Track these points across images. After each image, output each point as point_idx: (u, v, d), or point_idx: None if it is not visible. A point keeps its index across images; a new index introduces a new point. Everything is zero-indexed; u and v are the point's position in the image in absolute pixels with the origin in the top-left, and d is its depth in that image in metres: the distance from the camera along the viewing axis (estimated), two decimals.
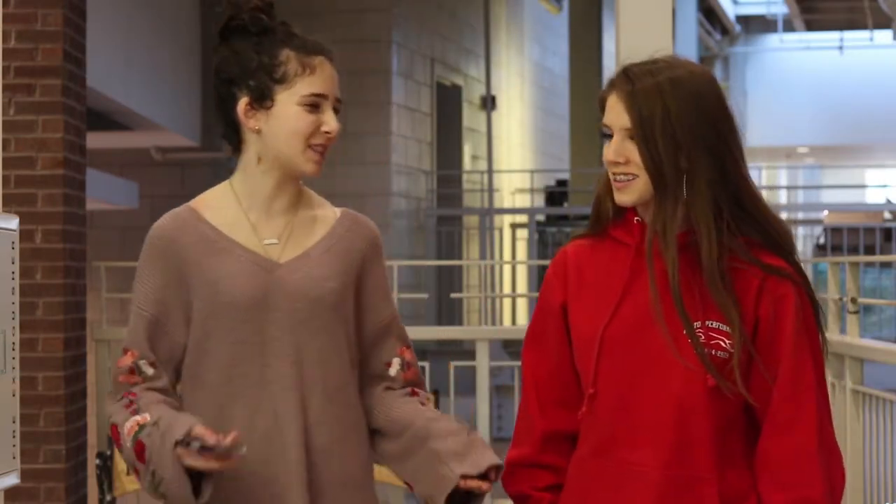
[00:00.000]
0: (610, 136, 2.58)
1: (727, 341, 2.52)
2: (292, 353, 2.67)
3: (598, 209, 2.64)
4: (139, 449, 2.60)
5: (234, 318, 2.65)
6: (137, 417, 2.63)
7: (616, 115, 2.55)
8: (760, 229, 2.57)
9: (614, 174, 2.57)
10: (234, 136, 2.73)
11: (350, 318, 2.74)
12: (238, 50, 2.70)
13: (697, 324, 2.52)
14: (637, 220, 2.60)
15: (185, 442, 2.53)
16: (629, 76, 2.55)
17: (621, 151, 2.55)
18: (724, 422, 2.54)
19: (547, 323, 2.66)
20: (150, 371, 2.68)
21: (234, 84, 2.69)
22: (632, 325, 2.55)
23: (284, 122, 2.67)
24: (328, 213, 2.80)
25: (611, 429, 2.57)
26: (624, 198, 2.56)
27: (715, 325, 2.53)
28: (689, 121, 2.52)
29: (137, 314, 2.69)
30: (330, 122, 2.70)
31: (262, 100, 2.68)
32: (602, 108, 2.60)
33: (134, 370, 2.67)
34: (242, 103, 2.68)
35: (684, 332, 2.52)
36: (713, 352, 2.51)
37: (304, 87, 2.68)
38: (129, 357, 2.68)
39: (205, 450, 2.52)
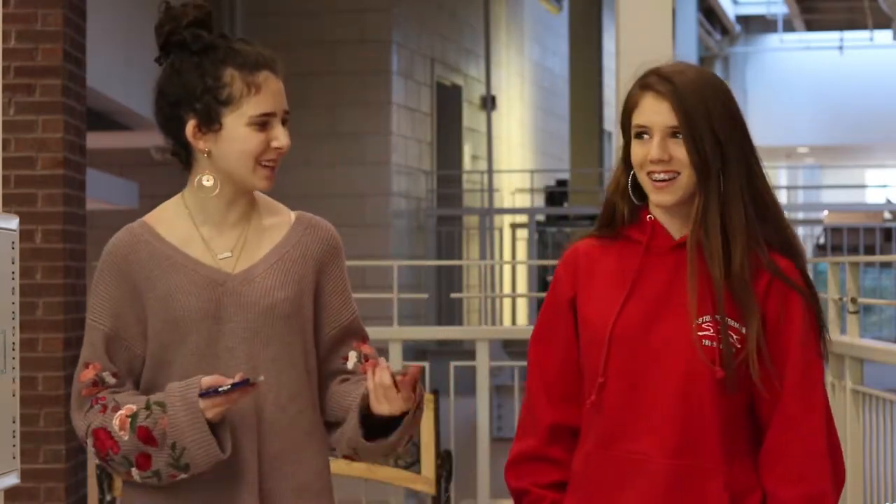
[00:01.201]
0: (641, 137, 2.59)
1: (735, 336, 2.55)
2: (246, 362, 2.67)
3: (611, 212, 2.67)
4: (144, 434, 2.59)
5: (187, 331, 2.66)
6: (122, 411, 2.62)
7: (656, 114, 2.57)
8: (776, 231, 2.61)
9: (653, 173, 2.58)
10: (183, 154, 2.72)
11: (307, 325, 2.73)
12: (181, 70, 2.68)
13: (707, 317, 2.56)
14: (650, 217, 2.64)
15: (208, 394, 2.55)
16: (663, 76, 2.58)
17: (665, 149, 2.57)
18: (731, 415, 2.57)
19: (556, 318, 2.70)
20: (113, 381, 2.68)
21: (180, 106, 2.68)
22: (641, 319, 2.59)
23: (234, 143, 2.66)
24: (283, 220, 2.79)
25: (619, 420, 2.60)
26: (665, 198, 2.59)
27: (728, 321, 2.56)
28: (725, 120, 2.57)
29: (94, 328, 2.69)
30: (280, 137, 2.68)
31: (209, 123, 2.66)
32: (628, 111, 2.62)
33: (97, 382, 2.67)
34: (190, 126, 2.67)
35: (691, 325, 2.56)
36: (720, 345, 2.55)
37: (252, 107, 2.65)
38: (91, 370, 2.67)
39: (227, 392, 2.56)
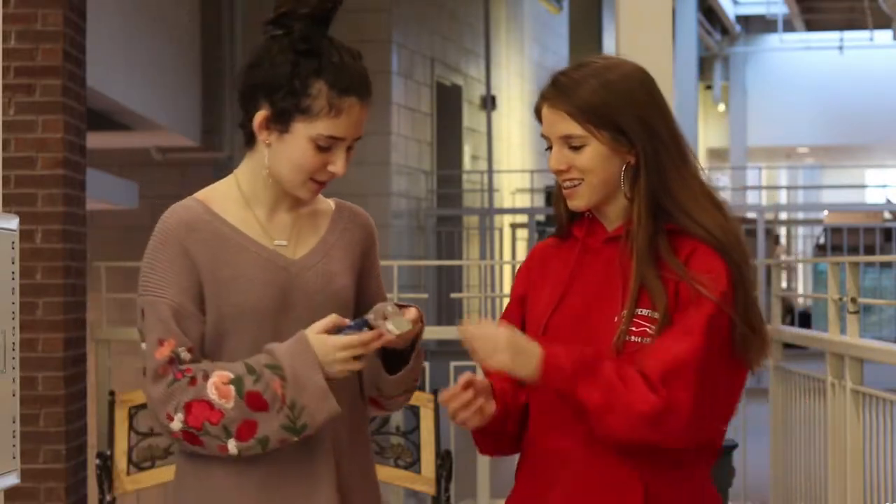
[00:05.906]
0: (550, 148, 2.62)
1: (652, 328, 2.55)
2: None
3: (557, 213, 2.71)
4: (253, 399, 2.51)
5: (252, 319, 2.59)
6: (213, 379, 2.52)
7: (551, 124, 2.60)
8: (698, 226, 2.57)
9: (562, 182, 2.63)
10: (249, 131, 2.65)
11: (352, 312, 2.71)
12: (275, 61, 2.60)
13: (625, 312, 2.56)
14: (588, 214, 2.67)
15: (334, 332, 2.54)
16: (557, 85, 2.60)
17: (561, 159, 2.60)
18: None
19: (510, 313, 2.74)
20: (188, 356, 2.56)
21: (259, 91, 2.60)
22: (573, 316, 2.61)
23: (292, 152, 2.60)
24: (325, 207, 2.77)
25: (544, 417, 2.63)
26: (576, 203, 2.62)
27: (645, 312, 2.56)
28: (622, 119, 2.56)
29: (160, 303, 2.57)
30: (338, 163, 2.62)
31: (279, 122, 2.60)
32: (539, 120, 2.64)
33: (174, 359, 2.55)
34: (260, 115, 2.60)
35: (615, 319, 2.55)
36: (639, 339, 2.55)
37: (324, 126, 2.59)
38: (167, 347, 2.55)
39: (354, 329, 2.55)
